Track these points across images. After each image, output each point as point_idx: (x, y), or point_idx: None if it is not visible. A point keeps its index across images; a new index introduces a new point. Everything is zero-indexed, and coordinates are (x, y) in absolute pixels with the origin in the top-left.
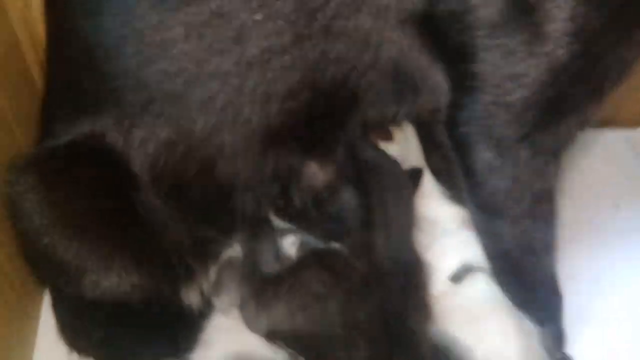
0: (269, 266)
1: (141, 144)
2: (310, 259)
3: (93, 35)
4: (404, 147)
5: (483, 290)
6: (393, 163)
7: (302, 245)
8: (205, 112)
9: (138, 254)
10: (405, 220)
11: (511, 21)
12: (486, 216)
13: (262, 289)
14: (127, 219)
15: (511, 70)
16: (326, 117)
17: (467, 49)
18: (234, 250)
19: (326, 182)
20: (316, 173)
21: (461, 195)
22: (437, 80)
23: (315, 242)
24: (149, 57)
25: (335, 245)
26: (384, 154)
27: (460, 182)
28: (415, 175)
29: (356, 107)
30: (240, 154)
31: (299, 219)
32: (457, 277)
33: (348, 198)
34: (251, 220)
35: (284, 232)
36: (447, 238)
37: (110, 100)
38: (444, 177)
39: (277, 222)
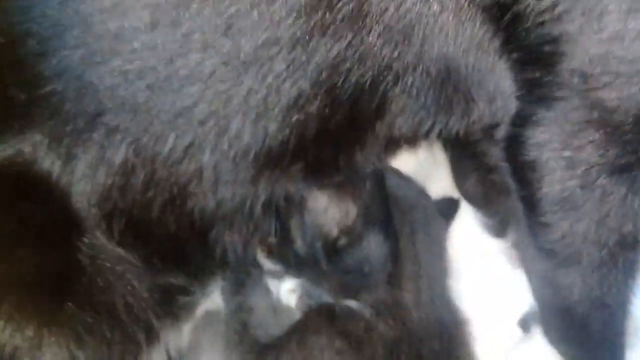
0: (264, 326)
1: (87, 171)
2: (318, 320)
3: (21, 22)
4: (424, 164)
5: None
6: (421, 193)
7: (305, 296)
8: (178, 127)
9: (79, 321)
10: (439, 267)
11: None
12: (552, 263)
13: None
14: (65, 275)
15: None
16: (342, 133)
17: (554, 45)
18: (213, 302)
19: (343, 224)
20: (327, 208)
21: (506, 226)
22: (501, 86)
23: (322, 294)
24: (99, 51)
25: (352, 302)
26: (408, 180)
27: (504, 210)
28: (450, 208)
29: (382, 119)
30: (224, 181)
31: (300, 266)
32: (525, 324)
33: (374, 246)
34: (234, 265)
35: (278, 275)
36: (496, 278)
37: (44, 111)
38: (480, 204)
39: (268, 265)
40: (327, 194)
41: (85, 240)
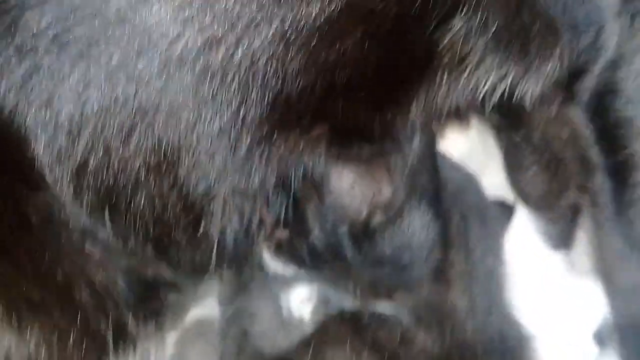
0: (269, 337)
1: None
2: (341, 328)
3: None
4: (474, 155)
5: None
6: (474, 180)
7: (321, 305)
8: (156, 61)
9: (25, 307)
10: (496, 270)
11: None
12: None
13: None
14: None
15: None
16: (381, 85)
17: None
18: (207, 308)
19: (376, 202)
20: (354, 186)
21: (570, 236)
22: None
23: (343, 299)
24: None
25: (384, 305)
26: (459, 165)
27: (569, 214)
28: (502, 214)
29: (432, 67)
30: (224, 145)
31: (317, 264)
32: (601, 338)
33: (419, 227)
34: (234, 263)
35: (288, 281)
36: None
37: None
38: (540, 206)
39: (276, 266)
40: (354, 169)
41: (43, 197)
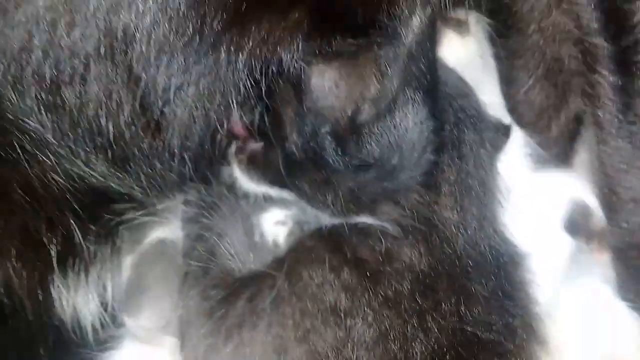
0: (238, 259)
1: None
2: (318, 245)
3: None
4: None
5: None
6: (472, 92)
7: (297, 227)
8: None
9: None
10: (489, 186)
11: None
12: None
13: (223, 302)
14: None
15: None
16: None
17: None
18: (169, 228)
19: (366, 96)
20: (338, 85)
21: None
22: None
23: (321, 217)
24: None
25: (367, 218)
26: (458, 74)
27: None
28: (497, 134)
29: None
30: (182, 32)
31: (294, 176)
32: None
33: (412, 122)
34: (201, 174)
35: (262, 204)
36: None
37: None
38: (537, 126)
39: (248, 183)
40: (337, 66)
41: None
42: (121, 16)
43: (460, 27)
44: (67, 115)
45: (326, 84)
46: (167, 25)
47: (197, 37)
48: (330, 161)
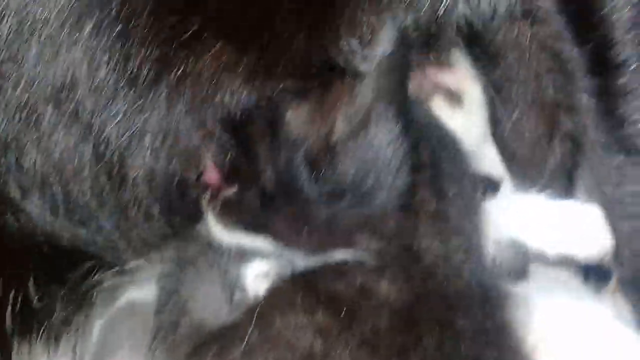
0: (211, 311)
1: None
2: (291, 289)
3: None
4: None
5: None
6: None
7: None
8: None
9: None
10: (472, 220)
11: None
12: None
13: (191, 356)
14: None
15: None
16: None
17: None
18: (143, 289)
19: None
20: (311, 115)
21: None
22: None
23: (297, 258)
24: None
25: (342, 251)
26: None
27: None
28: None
29: None
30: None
31: (270, 214)
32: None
33: (385, 142)
34: (173, 229)
35: (242, 256)
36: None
37: None
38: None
39: (223, 231)
40: (310, 99)
41: None
42: (60, 63)
43: (453, 98)
44: (25, 171)
45: (302, 116)
46: (105, 70)
47: (140, 83)
48: (305, 190)
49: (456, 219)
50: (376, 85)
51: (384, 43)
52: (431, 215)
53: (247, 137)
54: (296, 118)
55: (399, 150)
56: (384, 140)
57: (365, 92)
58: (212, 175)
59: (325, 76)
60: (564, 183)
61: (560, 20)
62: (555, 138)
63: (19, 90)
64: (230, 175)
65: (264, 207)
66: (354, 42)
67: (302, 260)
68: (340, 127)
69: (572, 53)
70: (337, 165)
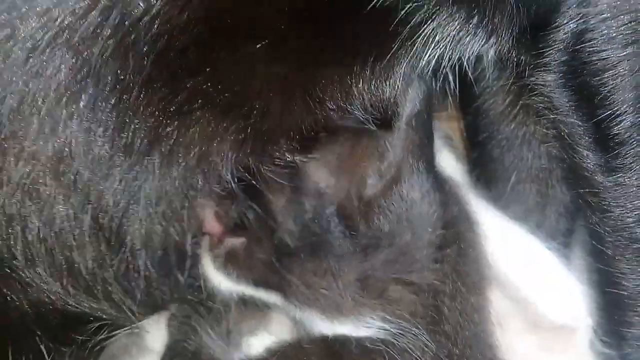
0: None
1: None
2: (315, 346)
3: None
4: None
5: None
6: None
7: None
8: None
9: None
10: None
11: None
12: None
13: None
14: None
15: None
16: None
17: None
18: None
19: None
20: (337, 172)
21: None
22: None
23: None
24: None
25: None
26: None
27: None
28: None
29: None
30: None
31: (289, 266)
32: None
33: (418, 197)
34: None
35: (249, 324)
36: None
37: None
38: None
39: (226, 284)
40: (332, 155)
41: None
42: (58, 136)
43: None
44: (30, 242)
45: (325, 171)
46: (101, 141)
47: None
48: (336, 245)
49: (470, 292)
50: (406, 140)
51: (413, 100)
52: (451, 282)
53: (257, 189)
54: (318, 171)
55: (432, 205)
56: (417, 195)
57: (396, 147)
58: (213, 225)
59: (341, 131)
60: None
61: (562, 92)
62: (556, 197)
63: (20, 164)
64: (236, 226)
65: (280, 262)
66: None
67: (319, 323)
68: (373, 183)
69: (573, 122)
70: (371, 221)
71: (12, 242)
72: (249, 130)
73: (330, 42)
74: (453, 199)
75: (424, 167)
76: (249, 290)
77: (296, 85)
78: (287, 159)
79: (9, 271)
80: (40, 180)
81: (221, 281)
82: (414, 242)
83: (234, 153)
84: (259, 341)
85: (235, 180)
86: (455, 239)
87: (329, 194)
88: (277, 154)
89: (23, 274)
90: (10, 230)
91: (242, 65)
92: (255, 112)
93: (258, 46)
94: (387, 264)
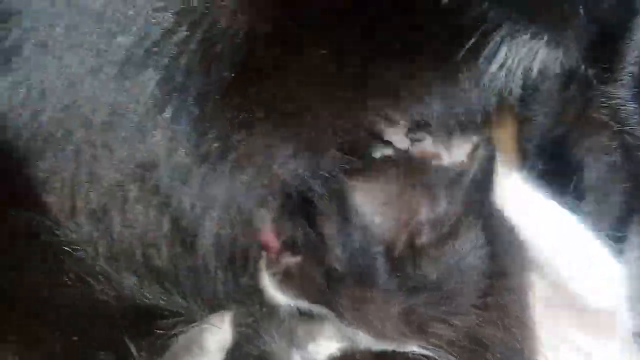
0: None
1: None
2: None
3: None
4: None
5: None
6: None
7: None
8: None
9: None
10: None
11: None
12: None
13: None
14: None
15: None
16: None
17: None
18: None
19: (424, 219)
20: (387, 206)
21: None
22: None
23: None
24: None
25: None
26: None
27: None
28: None
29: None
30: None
31: (336, 291)
32: None
33: (469, 250)
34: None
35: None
36: None
37: None
38: None
39: (283, 298)
40: (379, 186)
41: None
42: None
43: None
44: (114, 241)
45: (372, 206)
46: (182, 149)
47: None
48: (382, 280)
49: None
50: (466, 196)
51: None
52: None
53: (312, 211)
54: (366, 204)
55: (483, 258)
56: (469, 249)
57: (456, 202)
58: (271, 241)
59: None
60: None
61: (633, 107)
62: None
63: (110, 170)
64: (292, 245)
65: (330, 285)
66: None
67: (366, 342)
68: (427, 232)
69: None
70: (419, 267)
71: (98, 240)
72: (302, 140)
73: (389, 52)
74: (503, 246)
75: (482, 224)
76: (304, 305)
77: (349, 95)
78: (336, 175)
79: (94, 266)
80: (127, 186)
81: (279, 296)
82: (459, 289)
83: (289, 164)
84: (321, 349)
85: (292, 196)
86: (501, 289)
87: (378, 232)
88: (328, 167)
89: (107, 268)
90: (97, 229)
91: (300, 73)
92: (308, 120)
93: (320, 54)
94: (431, 304)
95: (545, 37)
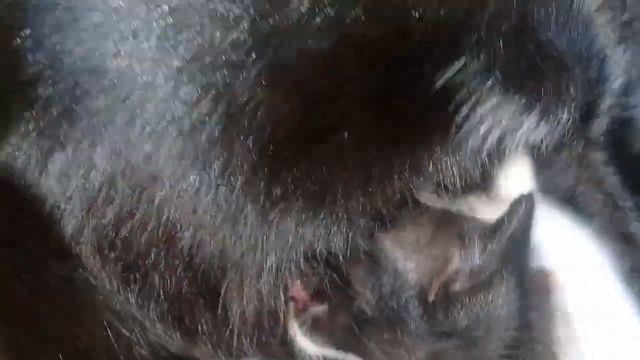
0: None
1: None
2: None
3: None
4: None
5: None
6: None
7: None
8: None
9: None
10: None
11: None
12: None
13: None
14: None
15: None
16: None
17: None
18: None
19: (460, 268)
20: (419, 252)
21: None
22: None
23: None
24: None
25: None
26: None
27: None
28: None
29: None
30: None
31: (367, 334)
32: None
33: (501, 302)
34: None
35: None
36: None
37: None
38: None
39: (313, 348)
40: (413, 233)
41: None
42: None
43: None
44: (146, 290)
45: (403, 252)
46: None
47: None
48: (412, 324)
49: None
50: (502, 250)
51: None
52: None
53: (337, 259)
54: (395, 250)
55: (513, 311)
56: (501, 302)
57: (494, 256)
58: (298, 291)
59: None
60: None
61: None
62: None
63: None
64: (318, 294)
65: (359, 329)
66: None
67: None
68: (463, 281)
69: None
70: (451, 314)
71: (129, 290)
72: (337, 216)
73: (402, 125)
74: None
75: (515, 279)
76: (332, 353)
77: (375, 169)
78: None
79: (128, 322)
80: (159, 263)
81: (308, 346)
82: (486, 338)
83: (324, 236)
84: None
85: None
86: (530, 341)
87: (409, 277)
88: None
89: (140, 322)
90: (130, 280)
91: (330, 153)
92: (340, 197)
93: (343, 135)
94: (458, 350)
95: (538, 111)
